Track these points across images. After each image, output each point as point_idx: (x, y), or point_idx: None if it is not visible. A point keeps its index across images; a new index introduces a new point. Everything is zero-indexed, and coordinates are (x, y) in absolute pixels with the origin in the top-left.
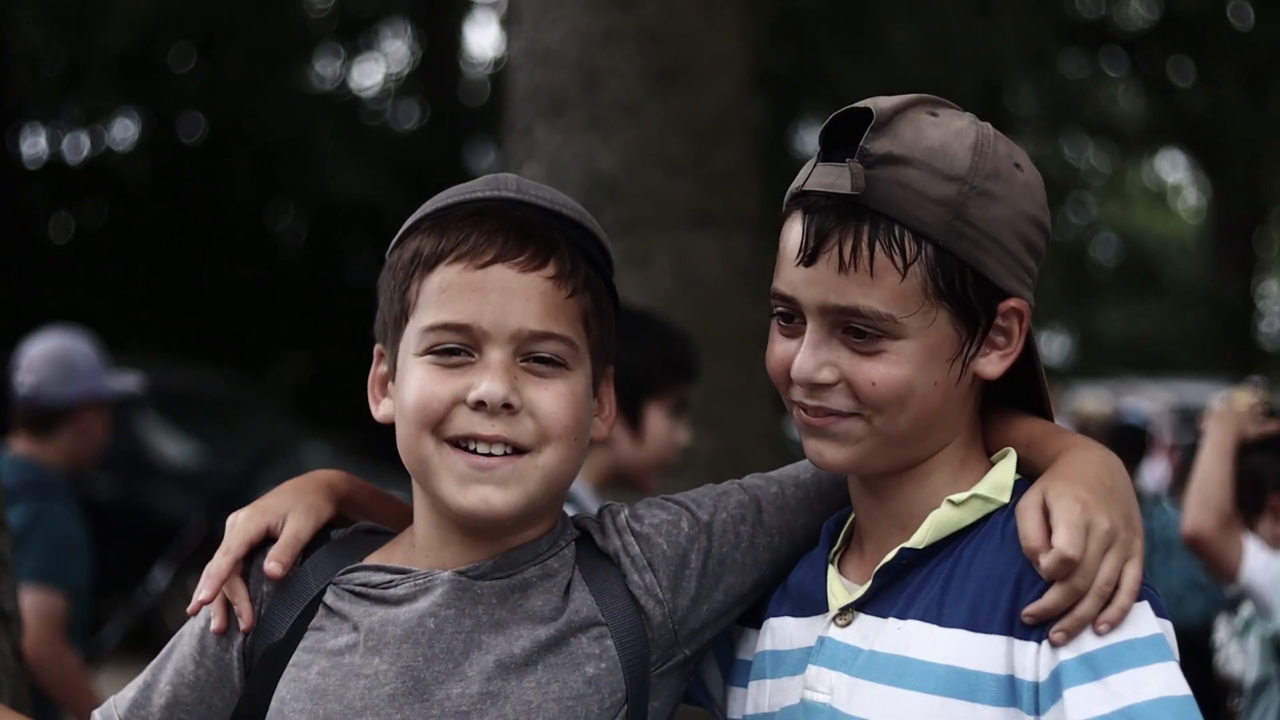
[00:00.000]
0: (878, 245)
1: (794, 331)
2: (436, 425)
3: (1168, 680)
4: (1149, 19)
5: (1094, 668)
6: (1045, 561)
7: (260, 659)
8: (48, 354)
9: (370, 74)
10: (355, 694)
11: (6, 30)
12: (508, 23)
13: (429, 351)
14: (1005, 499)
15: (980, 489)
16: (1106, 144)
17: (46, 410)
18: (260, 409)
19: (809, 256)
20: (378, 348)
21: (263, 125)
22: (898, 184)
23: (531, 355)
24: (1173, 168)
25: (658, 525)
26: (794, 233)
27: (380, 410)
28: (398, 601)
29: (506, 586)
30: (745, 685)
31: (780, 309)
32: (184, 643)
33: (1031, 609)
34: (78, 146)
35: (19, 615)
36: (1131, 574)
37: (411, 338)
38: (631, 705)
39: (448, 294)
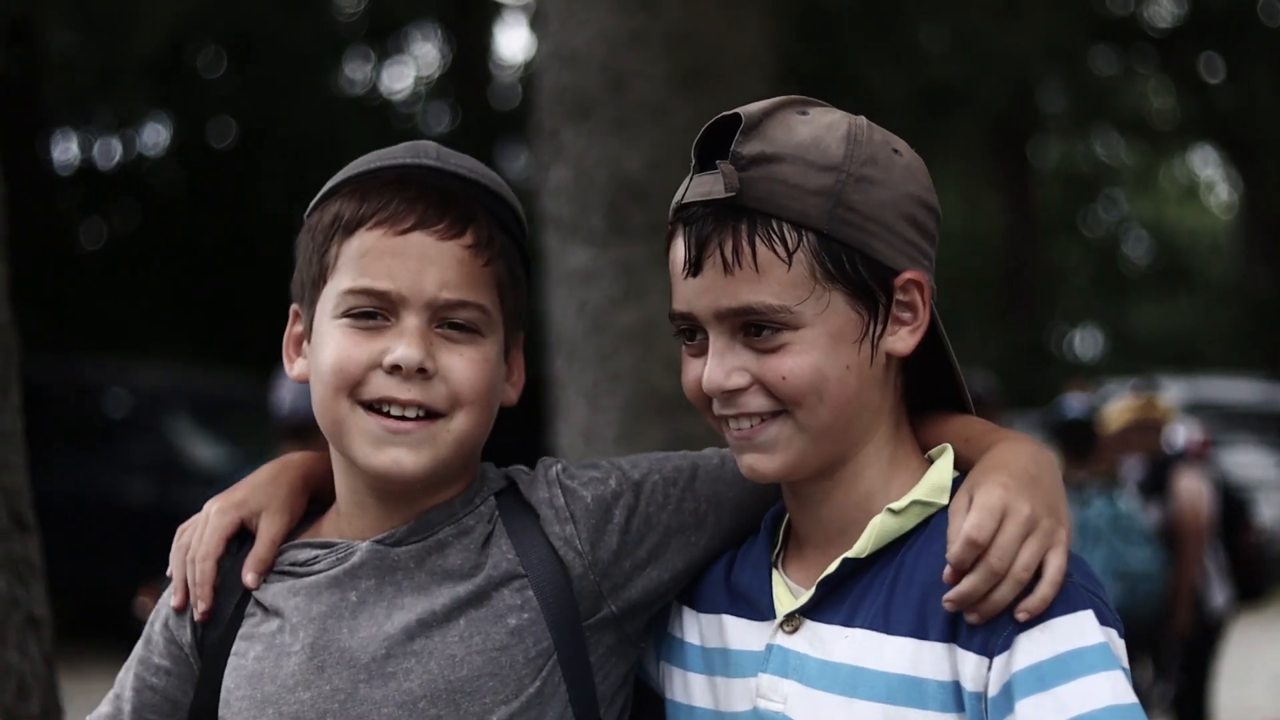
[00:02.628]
0: (758, 240)
1: (700, 349)
2: (353, 388)
3: (1114, 689)
4: (1178, 15)
5: (1041, 679)
6: (952, 548)
7: (207, 650)
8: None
9: (400, 77)
10: (287, 672)
11: (39, 36)
12: (535, 25)
13: (346, 314)
14: (944, 501)
15: (918, 493)
16: (1137, 141)
17: (303, 424)
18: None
19: (694, 266)
20: (294, 307)
21: (293, 129)
22: (773, 180)
23: (447, 321)
24: (1204, 163)
25: (586, 481)
26: (678, 248)
27: (295, 369)
28: (319, 575)
29: (423, 549)
30: (680, 666)
31: (682, 328)
32: (141, 647)
33: (950, 595)
34: (109, 152)
35: (50, 620)
36: (1054, 563)
37: (329, 300)
38: (563, 657)
39: (367, 259)
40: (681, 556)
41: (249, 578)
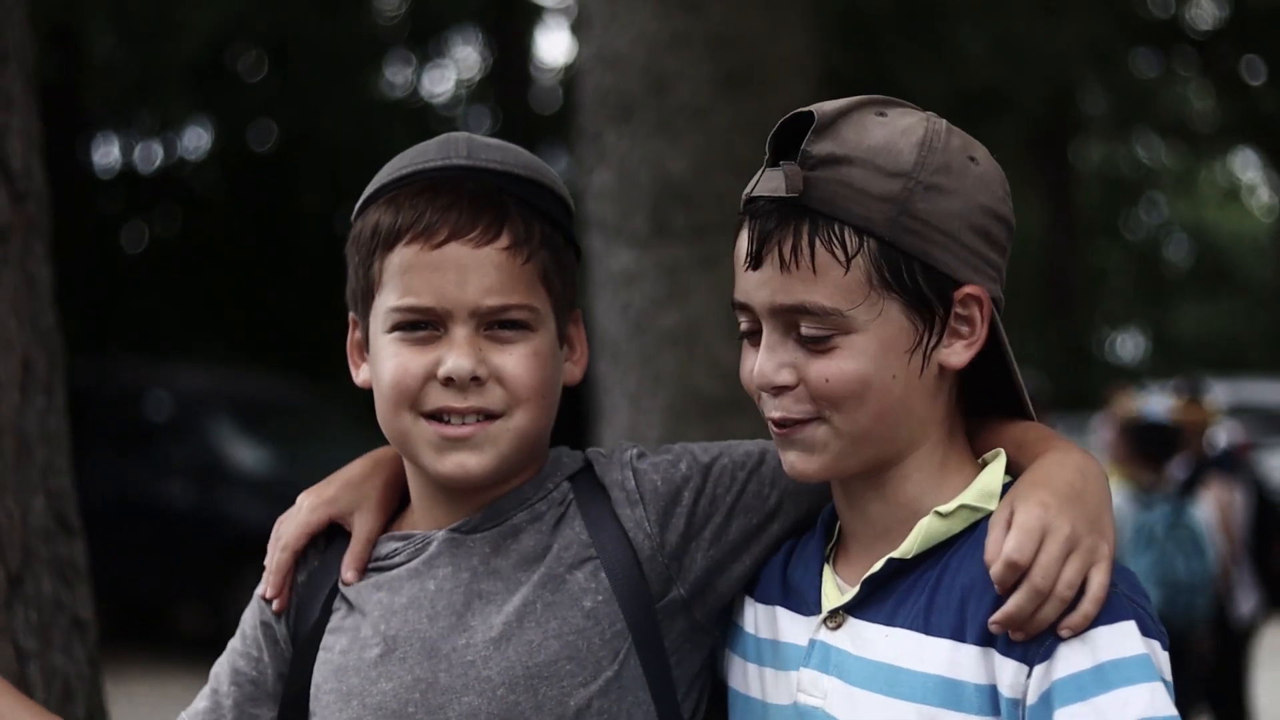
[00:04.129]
0: (818, 242)
1: (755, 342)
2: (413, 401)
3: (1152, 700)
4: (1220, 18)
5: (1081, 689)
6: (994, 569)
7: (299, 643)
8: None
9: (441, 81)
10: (369, 664)
11: (80, 41)
12: (577, 28)
13: (396, 328)
14: (993, 506)
15: (967, 497)
16: (1178, 143)
17: None
18: (333, 415)
19: (754, 260)
20: (352, 315)
21: (334, 133)
22: (839, 183)
23: (496, 322)
24: (1245, 166)
25: (657, 464)
26: (742, 240)
27: (360, 376)
28: (399, 569)
29: (497, 535)
30: (738, 653)
31: (742, 320)
32: (237, 640)
33: (996, 616)
34: (150, 156)
35: (94, 623)
36: (1097, 579)
37: (379, 315)
38: (638, 639)
39: (408, 276)
40: (742, 538)
41: (349, 575)
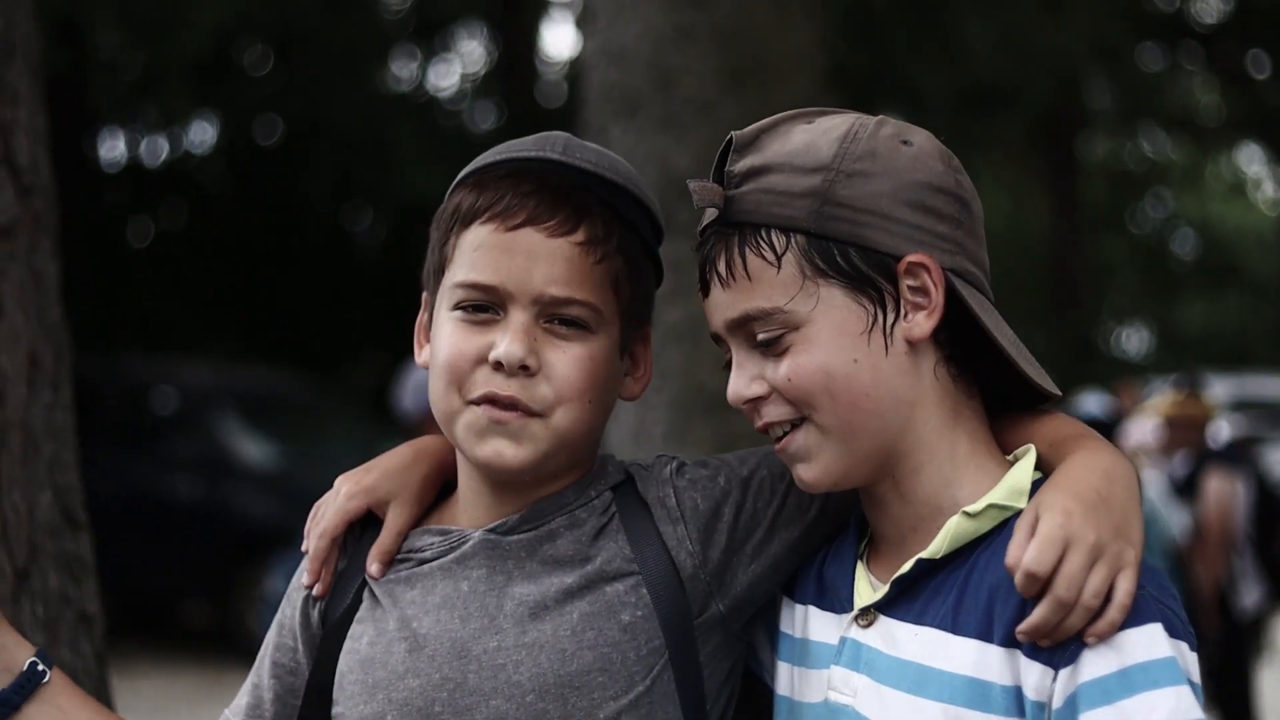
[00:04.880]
0: (747, 250)
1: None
2: (462, 384)
3: (1179, 704)
4: (1225, 11)
5: (1107, 692)
6: (1016, 578)
7: (327, 630)
8: (416, 378)
9: (446, 75)
10: (398, 658)
11: (85, 35)
12: (583, 22)
13: (458, 307)
14: (1021, 505)
15: (995, 496)
16: (1183, 137)
17: (418, 422)
18: (339, 411)
19: (703, 286)
20: (424, 295)
21: (339, 127)
22: (761, 191)
23: (555, 317)
24: (1250, 160)
25: (695, 480)
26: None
27: (421, 356)
28: (434, 564)
29: (534, 538)
30: (781, 658)
31: (722, 349)
32: (274, 632)
33: (1023, 626)
34: (156, 150)
35: (101, 618)
36: (1123, 586)
37: (446, 291)
38: (674, 656)
39: (478, 253)
40: (784, 551)
41: (373, 568)
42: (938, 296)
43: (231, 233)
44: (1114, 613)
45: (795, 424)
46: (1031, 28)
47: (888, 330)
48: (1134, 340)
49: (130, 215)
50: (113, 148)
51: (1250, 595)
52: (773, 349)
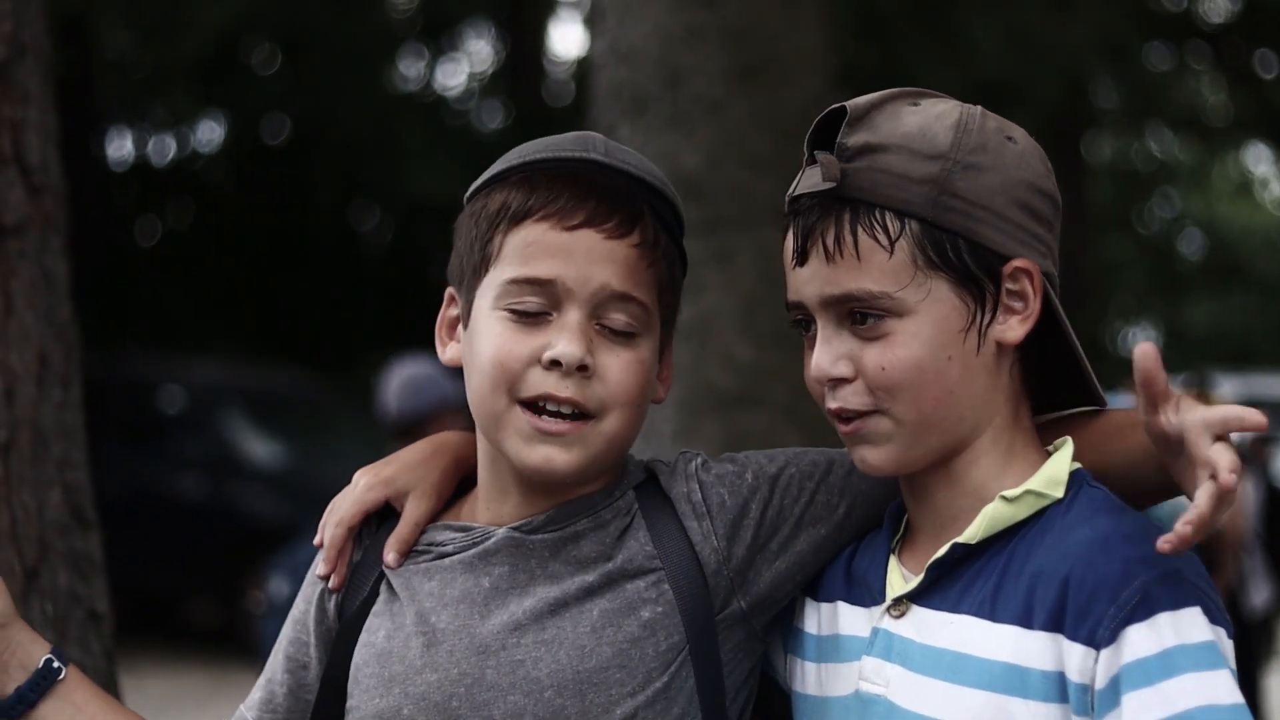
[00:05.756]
0: (859, 229)
1: (812, 341)
2: (512, 385)
3: (1219, 688)
4: (1232, 11)
5: (1148, 674)
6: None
7: (343, 622)
8: (401, 379)
9: (454, 74)
10: (415, 653)
11: (93, 34)
12: (591, 21)
13: (507, 306)
14: (1059, 494)
15: (1033, 484)
16: (1191, 137)
17: (406, 424)
18: (346, 409)
19: (800, 256)
20: (449, 291)
21: (346, 126)
22: (877, 170)
23: (606, 324)
24: (1257, 160)
25: (722, 476)
26: (788, 239)
27: (447, 354)
28: (454, 559)
29: (559, 539)
30: (800, 656)
31: (797, 319)
32: (288, 626)
33: (1188, 518)
34: (163, 149)
35: (110, 616)
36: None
37: (490, 289)
38: (694, 651)
39: (533, 249)
40: (810, 549)
41: (390, 557)
42: (1035, 304)
43: (238, 232)
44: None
45: (869, 412)
46: (1039, 27)
47: (983, 330)
48: (1141, 340)
49: (137, 214)
50: (120, 147)
51: (1260, 595)
52: (869, 332)
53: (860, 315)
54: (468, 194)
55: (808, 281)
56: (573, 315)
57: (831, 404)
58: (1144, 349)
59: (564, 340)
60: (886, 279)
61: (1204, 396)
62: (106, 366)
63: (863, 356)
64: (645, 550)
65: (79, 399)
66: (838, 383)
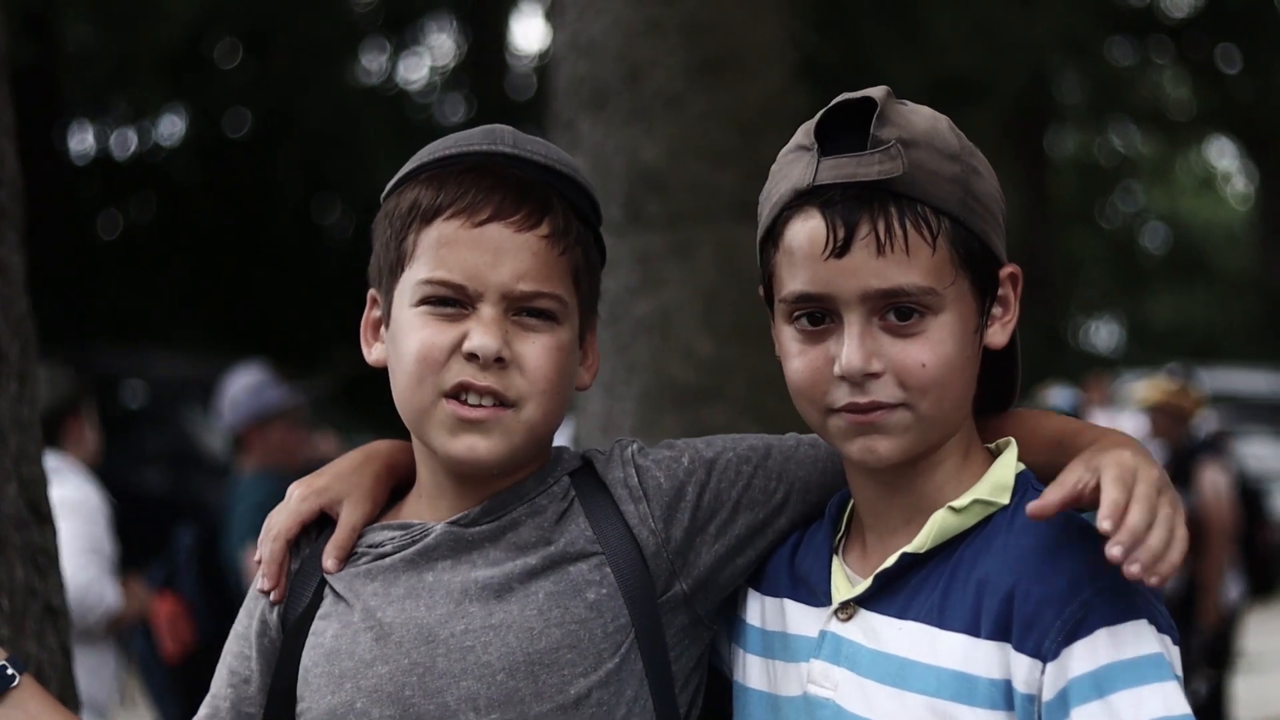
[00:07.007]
0: (907, 222)
1: (821, 335)
2: (436, 375)
3: (1167, 700)
4: (1195, 6)
5: (1097, 686)
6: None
7: (288, 631)
8: (228, 393)
9: (416, 68)
10: (364, 648)
11: (56, 28)
12: (552, 16)
13: (424, 302)
14: (1005, 500)
15: (980, 492)
16: (1154, 132)
17: (235, 433)
18: (309, 403)
19: (842, 247)
20: (371, 293)
21: (309, 120)
22: (915, 166)
23: (524, 309)
24: (1220, 154)
25: (659, 460)
26: (808, 230)
27: (373, 354)
28: (394, 558)
29: (497, 528)
30: (743, 648)
31: (807, 311)
32: (231, 640)
33: (1118, 535)
34: (126, 143)
35: (67, 610)
36: (1180, 532)
37: (407, 288)
38: (640, 633)
39: (444, 249)
40: (748, 533)
41: (329, 563)
42: (1015, 309)
43: (201, 225)
44: (1175, 554)
45: (895, 405)
46: (1002, 21)
47: (980, 333)
48: (1103, 334)
49: (100, 208)
50: (82, 141)
51: (1233, 589)
52: (905, 329)
53: (904, 311)
54: (384, 193)
55: (847, 274)
56: (487, 310)
57: (862, 398)
58: (1033, 511)
59: (479, 334)
60: (932, 275)
61: (1185, 391)
62: (68, 361)
63: (900, 354)
64: (585, 535)
65: (36, 393)
66: (869, 377)
